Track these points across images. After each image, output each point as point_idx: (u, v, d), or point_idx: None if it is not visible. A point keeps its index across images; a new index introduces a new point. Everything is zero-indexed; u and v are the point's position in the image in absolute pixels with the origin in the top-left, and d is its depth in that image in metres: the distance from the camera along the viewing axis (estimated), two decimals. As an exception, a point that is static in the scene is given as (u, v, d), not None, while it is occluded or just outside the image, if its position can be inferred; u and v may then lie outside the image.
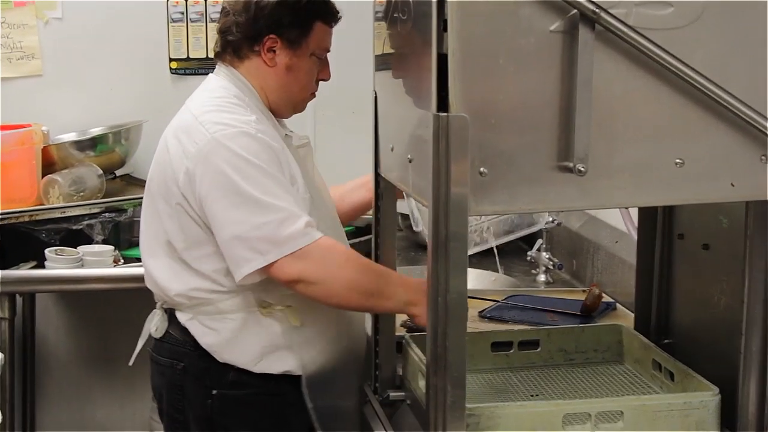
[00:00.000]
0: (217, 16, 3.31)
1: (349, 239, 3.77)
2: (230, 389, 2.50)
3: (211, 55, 3.59)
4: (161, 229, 2.50)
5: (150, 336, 2.63)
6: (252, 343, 2.48)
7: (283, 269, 2.33)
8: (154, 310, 2.62)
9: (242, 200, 2.34)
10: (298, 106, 2.65)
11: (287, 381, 2.51)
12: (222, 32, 2.56)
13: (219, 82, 2.56)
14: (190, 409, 2.54)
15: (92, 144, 3.99)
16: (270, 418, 2.53)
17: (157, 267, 2.53)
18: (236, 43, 2.54)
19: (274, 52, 2.52)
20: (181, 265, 2.49)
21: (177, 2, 4.21)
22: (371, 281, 2.35)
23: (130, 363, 2.71)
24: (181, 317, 2.52)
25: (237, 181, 2.35)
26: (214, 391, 2.50)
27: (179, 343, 2.53)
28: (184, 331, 2.51)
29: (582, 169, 1.79)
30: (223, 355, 2.49)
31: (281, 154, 2.44)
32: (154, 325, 2.59)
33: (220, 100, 2.49)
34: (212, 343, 2.49)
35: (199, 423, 2.53)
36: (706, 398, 2.05)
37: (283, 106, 2.60)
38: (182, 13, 4.21)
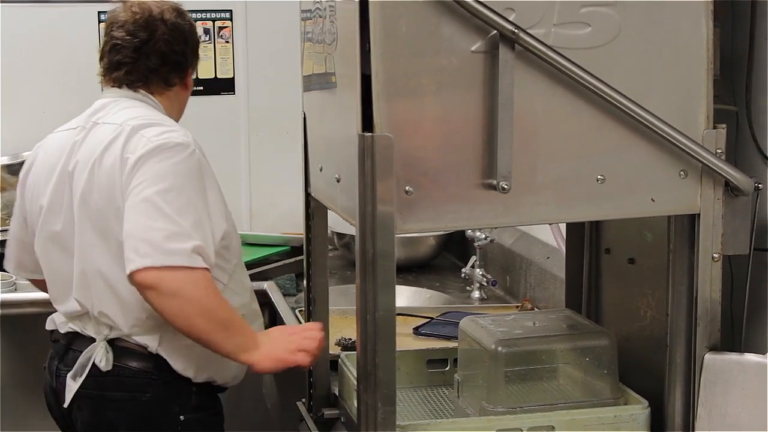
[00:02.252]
0: None
1: (283, 259, 3.81)
2: (194, 413, 2.51)
3: None
4: (111, 239, 2.41)
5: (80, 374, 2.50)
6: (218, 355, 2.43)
7: (147, 278, 2.27)
8: (91, 345, 2.48)
9: (143, 201, 2.32)
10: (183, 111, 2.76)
11: (219, 399, 2.58)
12: (156, 67, 2.58)
13: (140, 105, 2.57)
14: None
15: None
16: None
17: (124, 282, 2.36)
18: (167, 74, 2.59)
19: (191, 76, 2.67)
20: None
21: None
22: (223, 317, 2.33)
23: (65, 405, 2.54)
24: (149, 343, 2.45)
25: (148, 187, 2.33)
26: (182, 417, 2.49)
27: (140, 374, 2.47)
28: (148, 359, 2.46)
29: (505, 186, 1.82)
30: (198, 372, 2.48)
31: (210, 177, 2.44)
32: (100, 359, 2.47)
33: (154, 116, 2.52)
34: (186, 363, 2.47)
35: None
36: (636, 411, 2.08)
37: (178, 119, 2.66)
38: (114, 36, 4.20)
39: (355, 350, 2.26)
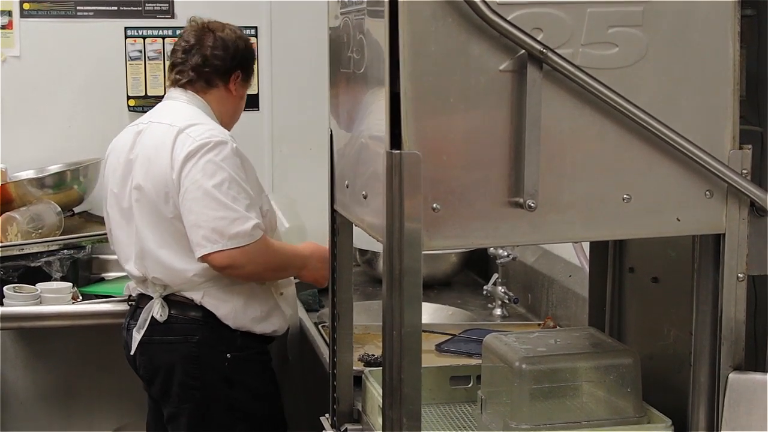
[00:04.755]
0: None
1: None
2: (239, 351, 3.08)
3: None
4: (170, 226, 3.00)
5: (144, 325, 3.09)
6: (256, 309, 3.10)
7: (220, 259, 2.92)
8: (152, 301, 3.08)
9: (204, 195, 2.91)
10: (236, 120, 3.32)
11: (267, 341, 3.19)
12: (198, 65, 3.14)
13: (187, 107, 3.13)
14: (208, 373, 3.07)
15: (50, 181, 4.00)
16: (266, 371, 3.19)
17: (170, 255, 3.02)
18: (209, 74, 3.16)
19: (235, 84, 3.20)
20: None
21: (135, 41, 4.24)
22: (281, 263, 3.10)
23: (132, 351, 3.13)
24: (194, 297, 3.05)
25: (205, 180, 2.91)
26: (228, 355, 3.07)
27: (190, 321, 3.06)
28: (195, 308, 3.05)
29: (532, 204, 1.83)
30: (236, 321, 3.06)
31: (248, 165, 3.03)
32: (158, 312, 3.06)
33: (198, 116, 3.08)
34: (227, 312, 3.06)
35: (218, 382, 3.07)
36: (659, 430, 2.09)
37: (229, 126, 3.21)
38: (140, 51, 4.24)
39: (377, 366, 2.27)
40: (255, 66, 3.34)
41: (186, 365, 3.08)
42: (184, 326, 3.08)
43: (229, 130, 3.14)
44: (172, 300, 3.09)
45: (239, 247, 2.91)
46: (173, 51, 3.22)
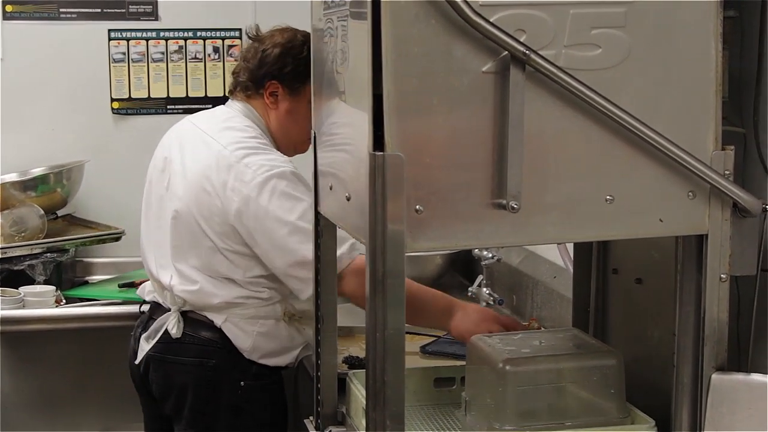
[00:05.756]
0: (159, 56, 4.14)
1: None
2: (254, 380, 2.95)
3: (153, 94, 4.20)
4: (205, 251, 2.86)
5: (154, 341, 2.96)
6: (274, 345, 2.96)
7: (341, 285, 2.69)
8: (168, 314, 2.94)
9: (292, 231, 2.76)
10: (299, 147, 3.03)
11: (280, 371, 3.03)
12: (234, 73, 3.04)
13: (241, 120, 2.96)
14: (221, 399, 2.94)
15: (34, 184, 3.97)
16: (277, 402, 3.04)
17: (202, 279, 2.88)
18: (244, 84, 2.99)
19: (276, 96, 2.96)
20: (228, 277, 2.88)
21: (119, 43, 4.23)
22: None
23: (137, 361, 3.01)
24: (216, 319, 2.91)
25: (283, 215, 2.76)
26: (242, 383, 2.94)
27: (207, 343, 2.92)
28: (212, 329, 2.91)
29: (515, 206, 1.83)
30: (252, 354, 2.93)
31: (304, 181, 2.81)
32: (172, 326, 2.91)
33: (254, 141, 2.89)
34: (244, 344, 2.92)
35: (228, 410, 2.95)
36: (643, 431, 2.09)
37: (284, 146, 2.99)
38: (124, 54, 4.23)
39: (362, 368, 2.27)
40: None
41: (199, 389, 2.96)
42: (202, 348, 2.94)
43: (286, 153, 2.98)
44: (189, 317, 2.95)
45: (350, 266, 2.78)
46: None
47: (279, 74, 2.95)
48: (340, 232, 2.29)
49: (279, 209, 2.77)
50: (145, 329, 3.03)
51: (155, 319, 2.99)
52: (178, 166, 2.95)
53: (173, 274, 2.93)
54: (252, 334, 2.92)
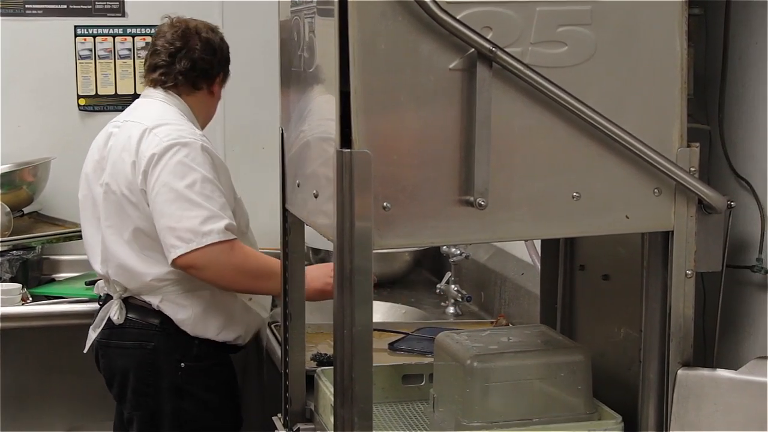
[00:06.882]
0: (126, 53, 4.19)
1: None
2: (195, 361, 3.02)
3: (120, 91, 4.25)
4: (132, 226, 2.96)
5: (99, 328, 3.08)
6: (216, 316, 3.03)
7: (193, 259, 2.83)
8: (111, 302, 3.06)
9: (177, 197, 2.85)
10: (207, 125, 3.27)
11: (230, 350, 3.11)
12: (186, 69, 3.10)
13: (163, 106, 3.07)
14: (161, 381, 3.01)
15: (-1, 181, 3.96)
16: (223, 383, 3.11)
17: (131, 257, 2.98)
18: (196, 78, 3.11)
19: (218, 86, 3.19)
20: (155, 254, 2.95)
21: (85, 39, 4.20)
22: (254, 268, 2.92)
23: (85, 350, 3.16)
24: (152, 301, 3.00)
25: (171, 181, 2.86)
26: (183, 364, 3.01)
27: (145, 327, 3.02)
28: (152, 314, 3.01)
29: (482, 203, 1.84)
30: (194, 329, 3.01)
31: (220, 163, 2.98)
32: (115, 314, 3.03)
33: (170, 116, 3.02)
34: (185, 318, 3.00)
35: (169, 392, 3.01)
36: (610, 427, 2.10)
37: (204, 126, 3.19)
38: (90, 50, 4.20)
39: (330, 365, 2.27)
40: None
41: (140, 372, 3.04)
42: (141, 332, 3.03)
43: (202, 129, 3.11)
44: (131, 303, 3.05)
45: (211, 245, 2.82)
46: (155, 52, 3.13)
47: (227, 66, 3.22)
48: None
49: (169, 175, 2.87)
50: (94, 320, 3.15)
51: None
52: (107, 153, 3.06)
53: (108, 260, 3.03)
54: (191, 308, 3.00)
